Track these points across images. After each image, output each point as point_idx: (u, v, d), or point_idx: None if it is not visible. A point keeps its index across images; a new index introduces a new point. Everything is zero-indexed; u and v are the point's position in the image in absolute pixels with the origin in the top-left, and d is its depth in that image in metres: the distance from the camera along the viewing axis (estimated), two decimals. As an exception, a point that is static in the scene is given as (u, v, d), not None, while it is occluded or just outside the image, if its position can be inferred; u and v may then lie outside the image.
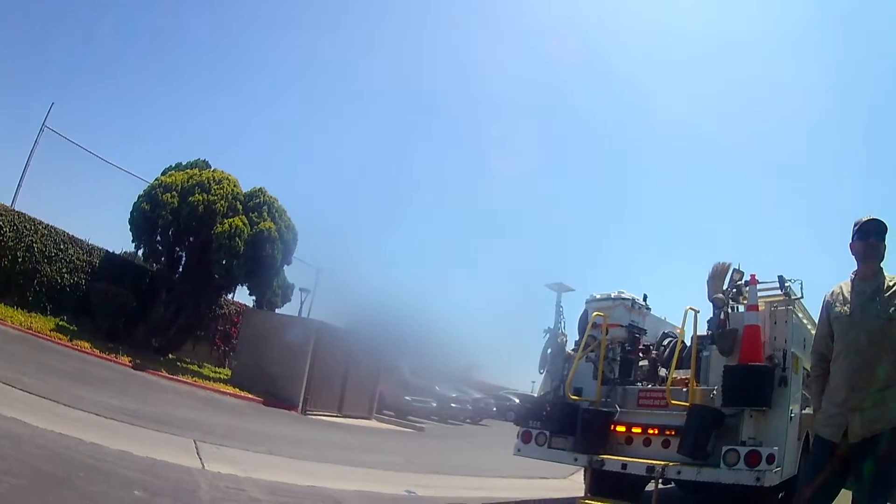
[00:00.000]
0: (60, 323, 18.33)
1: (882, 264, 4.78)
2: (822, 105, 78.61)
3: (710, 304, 8.12)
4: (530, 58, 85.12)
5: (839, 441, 4.45)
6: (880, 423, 4.31)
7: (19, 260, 18.19)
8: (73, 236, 20.38)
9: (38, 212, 19.47)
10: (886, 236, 4.74)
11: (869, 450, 4.31)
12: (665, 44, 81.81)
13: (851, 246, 4.83)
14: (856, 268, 4.84)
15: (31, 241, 18.62)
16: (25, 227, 18.54)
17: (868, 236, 4.70)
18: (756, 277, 7.77)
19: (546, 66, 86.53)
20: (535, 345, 9.98)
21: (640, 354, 9.40)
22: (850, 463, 4.41)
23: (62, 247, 19.78)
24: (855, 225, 4.80)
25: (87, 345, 16.54)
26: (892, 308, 4.53)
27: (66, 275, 19.78)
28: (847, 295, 4.77)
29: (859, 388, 4.43)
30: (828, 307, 4.89)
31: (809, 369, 5.17)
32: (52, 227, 19.61)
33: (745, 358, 7.24)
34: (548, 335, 9.76)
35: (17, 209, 18.74)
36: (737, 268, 8.24)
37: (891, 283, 4.63)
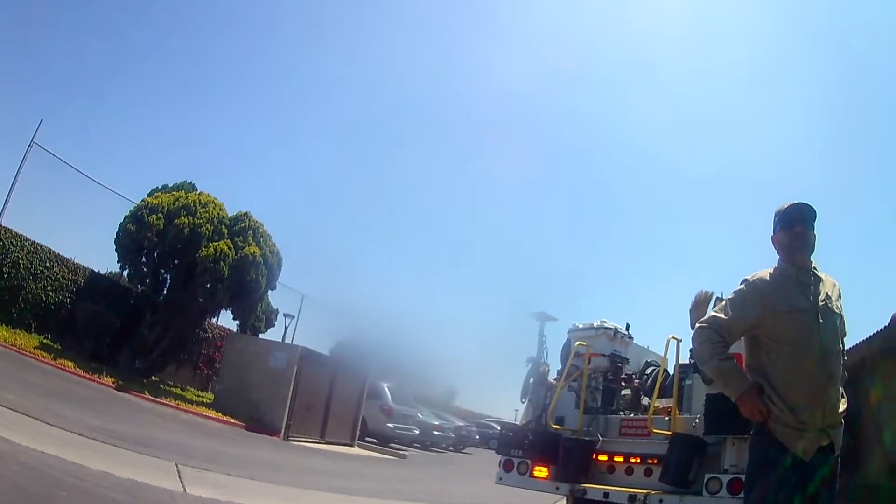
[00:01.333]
0: (45, 341, 18.24)
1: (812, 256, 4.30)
2: (811, 127, 79.15)
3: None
4: (523, 81, 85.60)
5: (808, 459, 3.90)
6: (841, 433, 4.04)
7: (4, 276, 18.08)
8: (58, 254, 20.28)
9: (24, 228, 19.39)
10: (815, 224, 4.26)
11: (833, 461, 4.01)
12: (655, 68, 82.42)
13: (774, 239, 4.34)
14: (780, 260, 4.32)
15: (17, 257, 18.52)
16: (12, 242, 18.46)
17: (793, 224, 4.21)
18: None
19: (537, 89, 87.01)
20: (517, 373, 10.04)
21: (623, 383, 9.45)
22: (824, 480, 3.93)
23: (48, 264, 19.68)
24: (777, 213, 4.33)
25: (70, 364, 16.46)
26: (839, 307, 4.24)
27: (51, 293, 19.67)
28: (791, 286, 4.17)
29: (834, 398, 4.01)
30: (764, 298, 4.16)
31: (706, 351, 4.25)
32: (38, 244, 19.52)
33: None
34: (530, 364, 9.82)
35: (3, 224, 18.70)
36: (719, 296, 8.29)
37: (824, 277, 4.26)
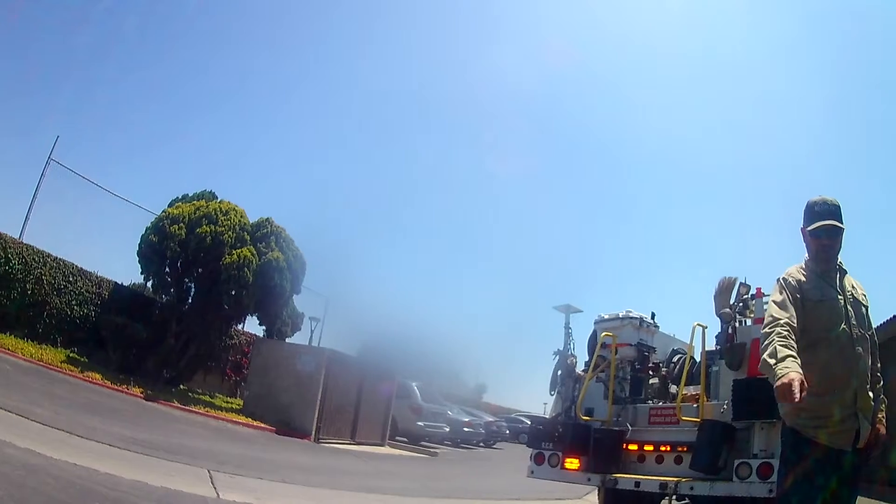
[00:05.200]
0: (71, 354, 18.42)
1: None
2: (825, 112, 78.70)
3: (718, 320, 8.12)
4: (536, 74, 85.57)
5: (850, 448, 3.97)
6: (870, 426, 4.06)
7: (28, 292, 18.25)
8: (81, 268, 20.48)
9: (46, 244, 19.58)
10: (842, 230, 4.34)
11: (865, 450, 4.06)
12: (672, 55, 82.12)
13: (803, 231, 4.44)
14: (806, 259, 4.48)
15: (41, 273, 18.68)
16: (34, 259, 18.61)
17: (819, 237, 4.32)
18: (762, 290, 7.75)
19: (552, 81, 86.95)
20: (545, 366, 10.00)
21: (650, 372, 9.40)
22: (853, 467, 4.02)
23: (71, 279, 19.87)
24: (807, 211, 4.41)
25: (98, 376, 16.59)
26: (864, 299, 4.36)
27: (75, 307, 19.86)
28: (819, 279, 4.32)
29: (862, 387, 4.05)
30: (799, 290, 4.26)
31: (764, 351, 4.02)
32: (60, 259, 19.70)
33: (753, 371, 7.11)
34: (557, 357, 9.79)
35: (25, 242, 18.81)
36: (743, 282, 8.24)
37: (849, 274, 4.40)
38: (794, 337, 4.00)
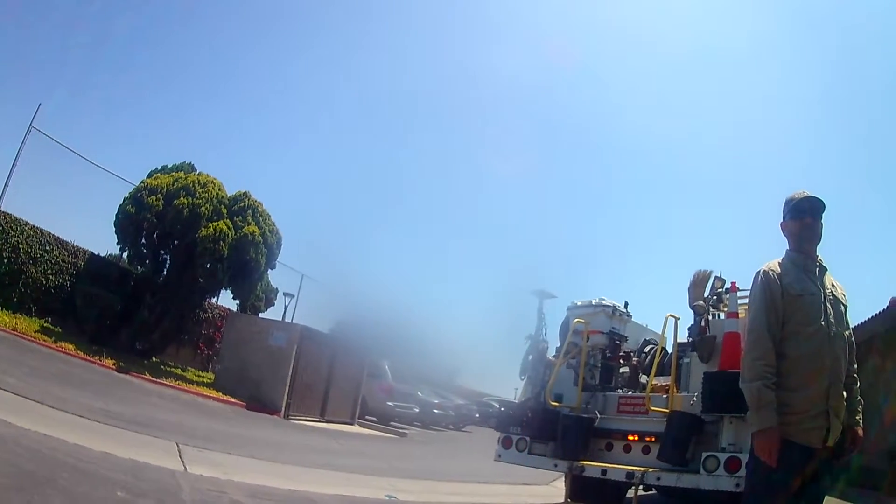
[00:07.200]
0: (45, 324, 18.25)
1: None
2: (808, 111, 79.06)
3: (691, 312, 8.19)
4: (519, 63, 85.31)
5: (820, 446, 3.93)
6: (842, 423, 4.04)
7: (4, 261, 18.01)
8: (58, 238, 20.20)
9: (24, 212, 19.28)
10: (823, 216, 4.31)
11: (836, 451, 4.05)
12: (651, 51, 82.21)
13: (783, 226, 4.41)
14: (788, 248, 4.40)
15: (17, 241, 18.45)
16: (11, 227, 18.36)
17: (803, 216, 4.28)
18: (737, 285, 7.82)
19: (535, 71, 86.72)
20: (517, 351, 10.04)
21: (621, 361, 9.47)
22: (822, 466, 3.99)
23: (48, 248, 19.60)
24: (788, 202, 4.39)
25: (71, 347, 16.47)
26: (844, 298, 4.32)
27: (51, 276, 19.62)
28: (800, 273, 4.24)
29: (836, 384, 4.01)
30: (780, 283, 4.18)
31: (756, 370, 3.99)
32: (38, 228, 19.41)
33: (724, 365, 7.19)
34: (529, 341, 9.83)
35: (3, 209, 18.61)
36: (718, 275, 8.32)
37: (829, 272, 4.35)
38: (774, 359, 4.02)
